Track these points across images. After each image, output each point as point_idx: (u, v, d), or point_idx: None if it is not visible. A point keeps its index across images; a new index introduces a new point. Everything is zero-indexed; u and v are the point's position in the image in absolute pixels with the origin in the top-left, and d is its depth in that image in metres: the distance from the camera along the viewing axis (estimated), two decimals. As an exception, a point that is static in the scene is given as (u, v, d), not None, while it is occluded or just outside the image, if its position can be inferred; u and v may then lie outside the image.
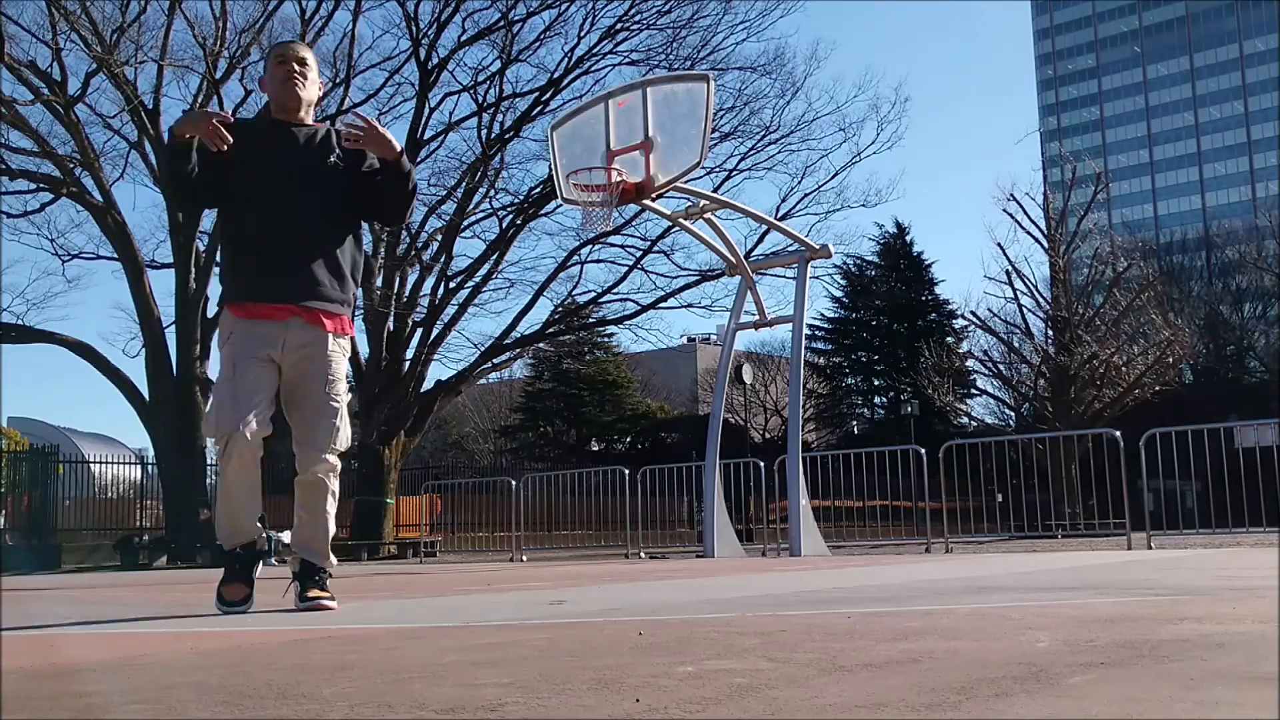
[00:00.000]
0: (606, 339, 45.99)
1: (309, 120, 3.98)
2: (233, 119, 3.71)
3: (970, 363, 32.20)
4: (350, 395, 3.91)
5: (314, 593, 3.76)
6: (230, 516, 3.76)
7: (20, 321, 20.63)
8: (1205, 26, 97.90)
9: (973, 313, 31.63)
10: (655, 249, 21.69)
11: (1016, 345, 30.74)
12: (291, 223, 3.76)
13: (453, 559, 15.66)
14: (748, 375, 33.50)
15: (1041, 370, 29.12)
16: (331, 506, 3.84)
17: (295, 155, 3.83)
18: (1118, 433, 11.07)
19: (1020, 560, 7.50)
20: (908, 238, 50.35)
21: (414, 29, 20.31)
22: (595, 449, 47.23)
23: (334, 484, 3.84)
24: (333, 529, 3.88)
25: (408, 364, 21.36)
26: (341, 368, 3.84)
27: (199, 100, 20.04)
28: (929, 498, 12.07)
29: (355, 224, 3.96)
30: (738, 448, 22.43)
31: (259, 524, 3.91)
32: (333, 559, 3.92)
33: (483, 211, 22.12)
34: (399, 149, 3.81)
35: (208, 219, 20.46)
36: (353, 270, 3.91)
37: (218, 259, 21.06)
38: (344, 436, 3.82)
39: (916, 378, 32.58)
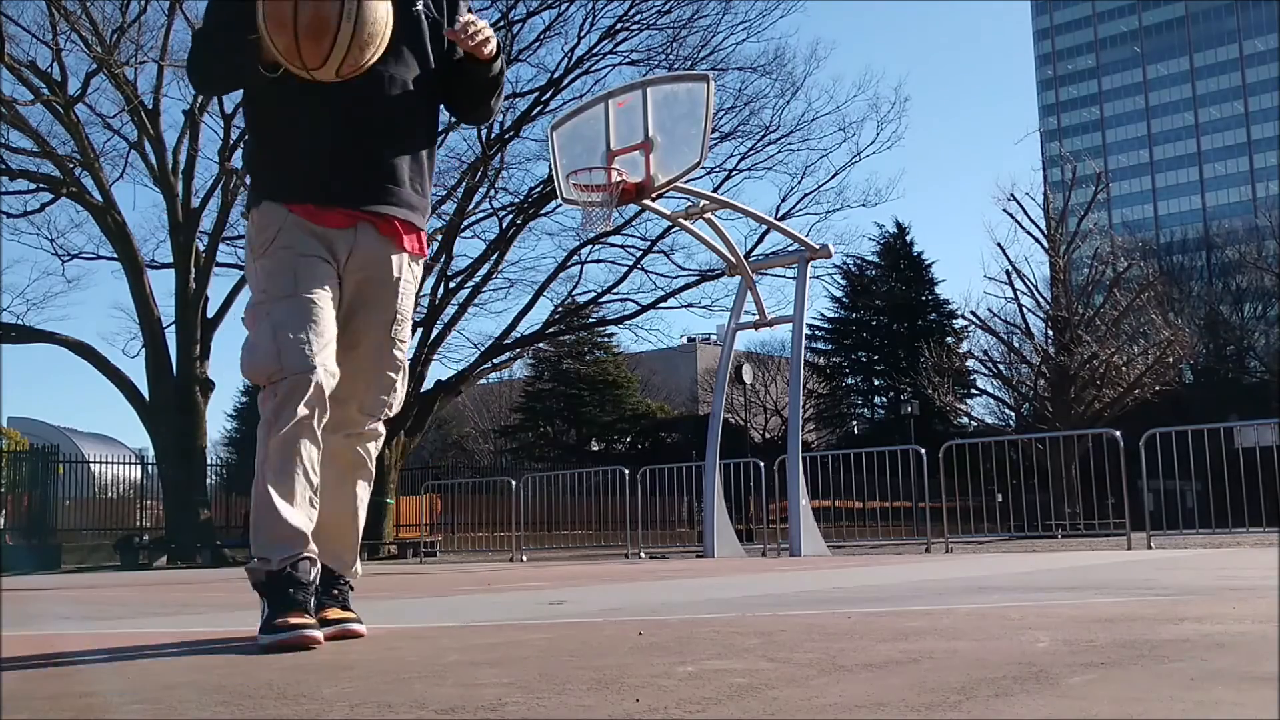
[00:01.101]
0: (606, 339, 46.03)
1: None
2: None
3: (970, 363, 32.21)
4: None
5: (334, 613, 2.62)
6: (281, 513, 2.46)
7: (20, 321, 20.65)
8: (1205, 26, 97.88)
9: (973, 313, 31.67)
10: (655, 249, 21.73)
11: (1016, 345, 30.76)
12: (363, 96, 2.63)
13: (453, 559, 15.66)
14: (748, 375, 33.51)
15: (1041, 370, 29.12)
16: (365, 493, 2.79)
17: None
18: (1118, 433, 11.08)
19: (1020, 560, 7.50)
20: (908, 238, 50.36)
21: (414, 29, 20.30)
22: (595, 449, 47.22)
23: (372, 462, 2.81)
24: (363, 522, 2.81)
25: (408, 364, 21.36)
26: (411, 304, 2.82)
27: (199, 100, 20.06)
28: (929, 498, 12.07)
29: (437, 106, 2.87)
30: (738, 448, 22.44)
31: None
32: (359, 565, 2.80)
33: (483, 211, 22.15)
34: (495, 48, 2.77)
35: (207, 219, 20.53)
36: (431, 170, 2.85)
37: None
38: (400, 396, 2.83)
39: (916, 378, 32.58)
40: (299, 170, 2.65)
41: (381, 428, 2.80)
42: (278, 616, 2.39)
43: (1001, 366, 30.97)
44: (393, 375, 2.78)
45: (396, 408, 2.82)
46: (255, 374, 2.54)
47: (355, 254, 2.65)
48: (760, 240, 20.83)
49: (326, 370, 2.52)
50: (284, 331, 2.51)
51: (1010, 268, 29.32)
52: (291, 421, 2.46)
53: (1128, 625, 2.45)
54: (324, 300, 2.57)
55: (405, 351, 2.83)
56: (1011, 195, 29.96)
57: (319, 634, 2.40)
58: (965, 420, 35.14)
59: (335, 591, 2.69)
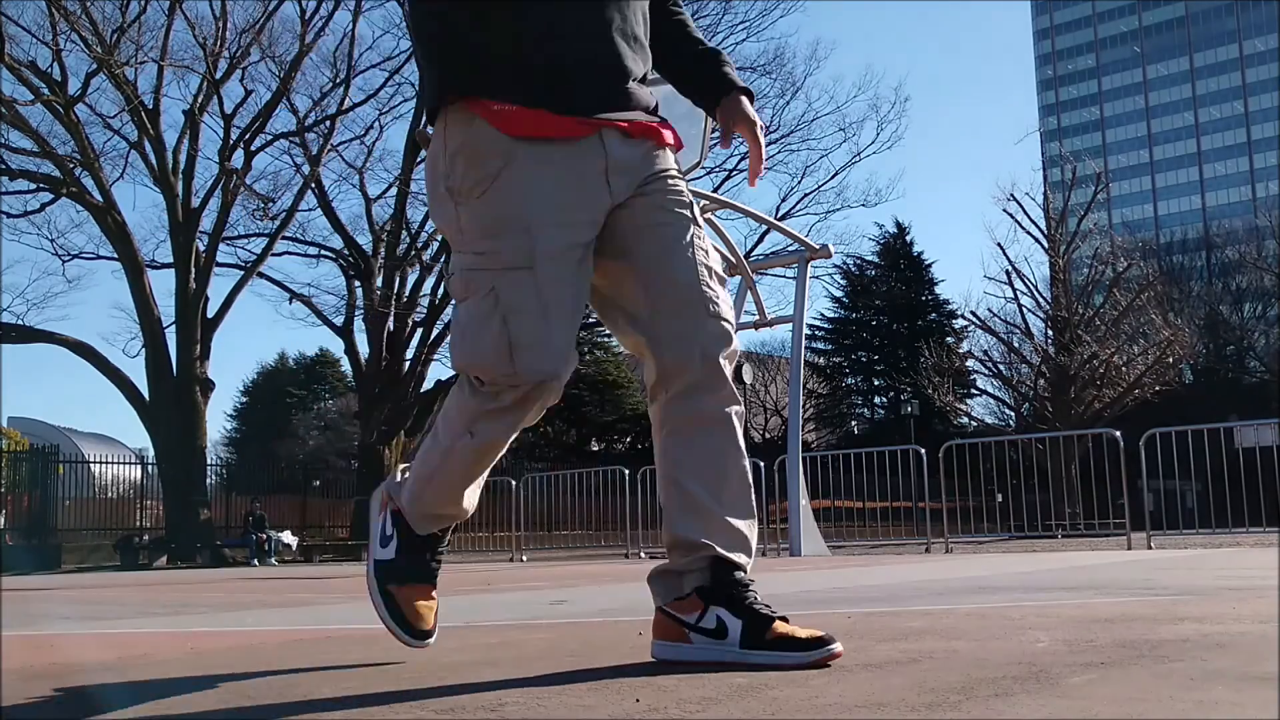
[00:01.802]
0: (606, 339, 46.01)
1: None
2: None
3: (970, 363, 32.24)
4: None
5: (781, 629, 1.84)
6: (458, 489, 2.10)
7: (20, 321, 20.69)
8: (1205, 26, 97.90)
9: (973, 313, 31.73)
10: (655, 249, 21.69)
11: (1016, 345, 30.79)
12: None
13: (453, 559, 15.66)
14: (748, 375, 33.44)
15: (1041, 370, 29.14)
16: (746, 459, 2.06)
17: None
18: (1118, 433, 11.08)
19: (1020, 560, 7.50)
20: (908, 238, 50.42)
21: (414, 29, 20.32)
22: (595, 449, 47.22)
23: (739, 422, 2.07)
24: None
25: (408, 364, 21.36)
26: (697, 209, 2.15)
27: (199, 100, 20.07)
28: (929, 498, 12.07)
29: None
30: (738, 448, 22.41)
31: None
32: (749, 557, 1.97)
33: (483, 211, 22.10)
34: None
35: (207, 219, 20.52)
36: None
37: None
38: (735, 338, 2.09)
39: (916, 378, 32.61)
40: (527, 61, 1.94)
41: (730, 379, 2.06)
42: (405, 584, 2.09)
43: (1001, 366, 31.01)
44: (719, 308, 2.04)
45: (736, 348, 2.08)
46: (473, 371, 1.96)
47: (616, 171, 1.99)
48: (760, 240, 20.89)
49: (568, 370, 1.97)
50: (519, 321, 1.88)
51: (1010, 268, 29.40)
52: (506, 431, 2.01)
53: (1128, 625, 2.45)
54: (571, 273, 1.93)
55: (722, 272, 2.10)
56: (1011, 195, 30.09)
57: (434, 605, 2.13)
58: (965, 420, 35.17)
59: (741, 590, 1.93)
